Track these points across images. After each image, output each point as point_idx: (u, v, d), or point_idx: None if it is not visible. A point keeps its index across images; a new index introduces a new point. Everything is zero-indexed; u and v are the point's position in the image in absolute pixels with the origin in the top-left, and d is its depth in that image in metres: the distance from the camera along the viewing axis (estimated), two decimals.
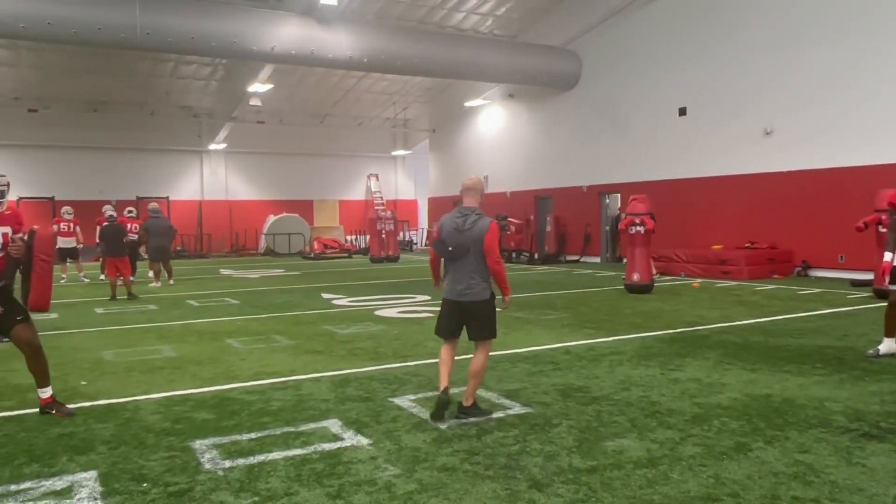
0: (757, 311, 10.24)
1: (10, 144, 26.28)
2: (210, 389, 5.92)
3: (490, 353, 7.19)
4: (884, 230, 10.60)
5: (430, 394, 5.60)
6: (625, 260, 13.79)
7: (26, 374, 6.59)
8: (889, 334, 6.71)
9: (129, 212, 17.00)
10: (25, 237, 5.03)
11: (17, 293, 5.20)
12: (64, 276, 16.92)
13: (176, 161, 29.69)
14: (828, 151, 15.12)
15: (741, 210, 17.10)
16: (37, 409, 5.24)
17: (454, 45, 20.52)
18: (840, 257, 14.96)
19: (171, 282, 15.61)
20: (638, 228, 12.88)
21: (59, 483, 3.82)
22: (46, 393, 5.19)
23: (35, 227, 5.01)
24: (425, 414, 5.02)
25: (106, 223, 13.64)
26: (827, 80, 15.13)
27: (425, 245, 33.07)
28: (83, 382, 6.22)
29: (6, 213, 5.08)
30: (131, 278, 13.37)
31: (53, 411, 5.11)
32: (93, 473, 3.95)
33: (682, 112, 18.64)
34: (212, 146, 29.40)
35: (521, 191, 25.14)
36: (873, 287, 11.64)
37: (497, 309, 5.01)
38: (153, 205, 16.22)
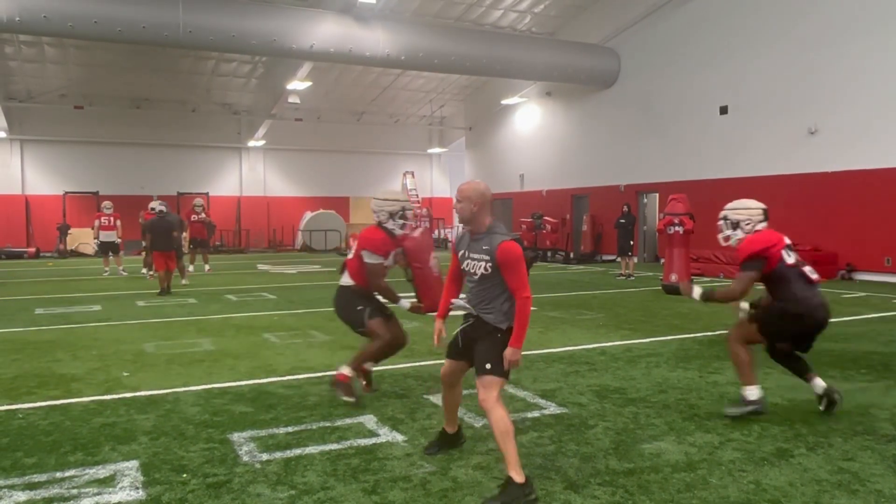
0: None
1: (57, 140, 27.01)
2: (248, 383, 6.00)
3: (525, 353, 7.19)
4: None
5: (465, 391, 5.57)
6: (662, 260, 13.61)
7: (70, 364, 6.79)
8: None
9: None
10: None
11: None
12: (106, 269, 17.30)
13: (216, 157, 30.15)
14: (874, 151, 14.72)
15: (783, 211, 16.68)
16: (81, 399, 5.40)
17: (492, 43, 20.45)
18: (887, 260, 14.56)
19: (184, 281, 14.60)
20: (676, 228, 12.70)
21: (102, 472, 3.91)
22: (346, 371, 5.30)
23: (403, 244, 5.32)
24: (461, 412, 5.00)
25: (155, 217, 13.63)
26: (873, 77, 14.73)
27: None
28: (125, 373, 6.35)
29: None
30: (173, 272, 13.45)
31: (364, 383, 5.47)
32: (134, 463, 4.03)
33: (724, 110, 18.32)
34: (251, 143, 29.80)
35: (557, 189, 24.98)
36: None
37: None
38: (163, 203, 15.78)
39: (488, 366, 3.66)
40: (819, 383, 4.92)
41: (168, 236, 13.08)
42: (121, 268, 17.35)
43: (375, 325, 5.27)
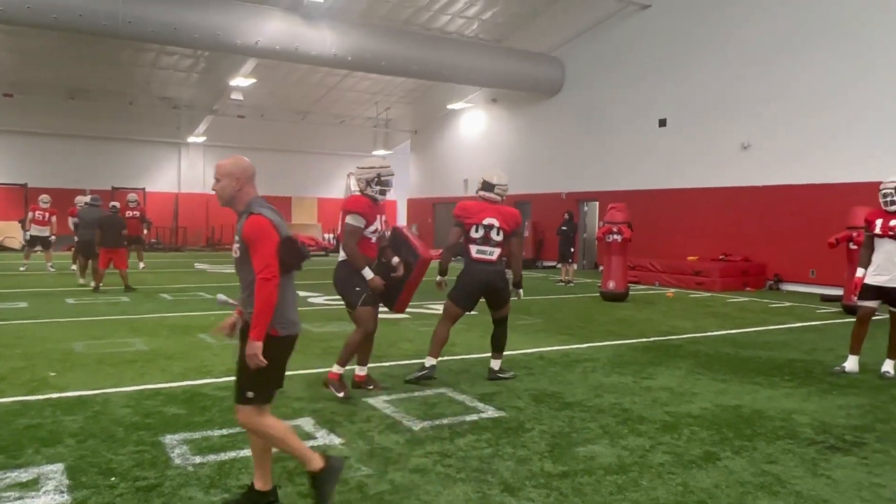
0: (729, 322, 10.38)
1: None
2: (181, 384, 5.86)
3: (463, 357, 7.25)
4: (855, 247, 10.82)
5: (403, 395, 5.60)
6: (601, 268, 13.90)
7: None
8: (854, 352, 6.83)
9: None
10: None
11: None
12: (26, 262, 16.62)
13: (154, 152, 29.34)
14: (802, 168, 15.37)
15: (717, 222, 17.31)
16: (3, 399, 5.19)
17: (439, 48, 20.52)
18: (811, 272, 15.21)
19: (92, 285, 12.92)
20: (615, 237, 12.98)
21: (24, 475, 3.76)
22: (364, 371, 5.78)
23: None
24: (399, 415, 5.02)
25: (107, 213, 13.26)
26: (804, 99, 15.38)
27: None
28: (52, 373, 6.12)
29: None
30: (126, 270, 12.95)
31: (371, 387, 5.74)
32: (59, 466, 3.90)
33: (663, 123, 18.83)
34: (191, 139, 29.09)
35: None
36: (843, 303, 11.85)
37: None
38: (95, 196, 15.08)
39: (248, 392, 3.27)
40: (492, 365, 6.31)
41: (118, 233, 12.74)
42: (49, 264, 16.71)
43: (365, 313, 5.46)
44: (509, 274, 6.29)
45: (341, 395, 5.35)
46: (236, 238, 3.30)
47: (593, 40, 21.06)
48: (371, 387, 5.76)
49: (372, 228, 5.46)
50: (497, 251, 6.13)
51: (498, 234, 6.13)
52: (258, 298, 3.11)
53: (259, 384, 3.25)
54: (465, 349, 7.65)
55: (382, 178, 5.50)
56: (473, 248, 6.13)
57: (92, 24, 15.62)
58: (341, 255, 5.51)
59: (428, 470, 3.96)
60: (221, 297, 3.60)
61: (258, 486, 3.42)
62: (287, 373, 6.32)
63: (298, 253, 3.32)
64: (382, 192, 5.53)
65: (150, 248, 23.41)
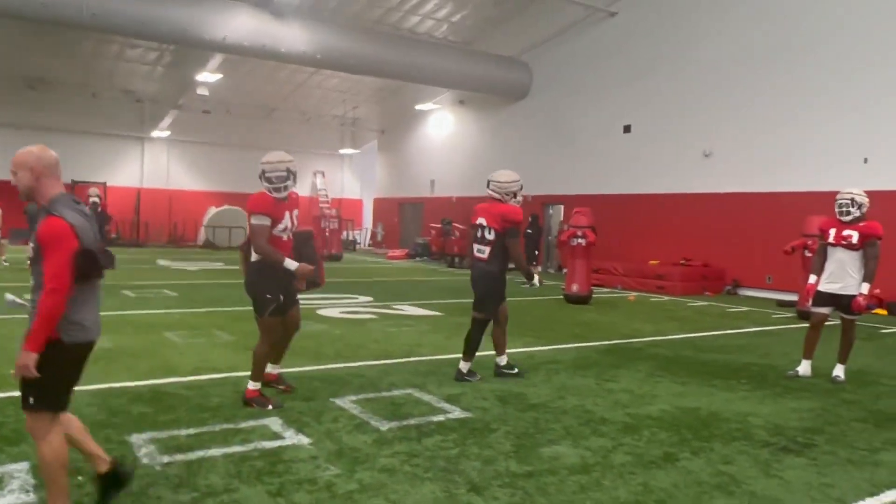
0: (688, 326, 10.63)
1: None
2: (147, 383, 5.82)
3: (430, 358, 7.33)
4: (810, 254, 11.17)
5: (371, 395, 5.65)
6: (565, 271, 14.11)
7: None
8: (807, 356, 7.08)
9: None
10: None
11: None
12: None
13: (116, 146, 28.80)
14: (761, 176, 15.78)
15: (678, 228, 17.67)
16: None
17: (408, 48, 20.59)
18: (768, 278, 15.62)
19: None
20: (579, 241, 13.18)
21: None
22: (276, 370, 5.70)
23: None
24: (367, 415, 5.08)
25: (89, 208, 13.06)
26: (764, 111, 15.79)
27: (368, 245, 32.98)
28: (12, 371, 6.01)
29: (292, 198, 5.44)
30: None
31: (282, 387, 5.66)
32: (24, 465, 3.87)
33: (627, 129, 19.14)
34: (154, 133, 28.66)
35: (466, 197, 25.32)
36: (797, 308, 12.22)
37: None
38: None
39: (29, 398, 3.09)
40: (461, 367, 6.37)
41: (101, 228, 12.62)
42: (2, 258, 16.32)
43: (271, 323, 5.30)
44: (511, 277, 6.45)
45: (269, 407, 5.12)
46: (32, 237, 3.01)
47: (560, 46, 21.31)
48: (282, 387, 5.63)
49: (281, 227, 5.21)
50: (488, 250, 6.32)
51: (489, 233, 6.32)
52: (41, 309, 2.90)
53: (40, 390, 3.05)
54: (432, 350, 7.74)
55: (266, 175, 5.19)
56: (474, 247, 6.46)
57: (55, 15, 15.31)
58: (254, 256, 5.23)
59: (395, 470, 4.02)
60: (9, 297, 3.31)
61: (101, 470, 3.35)
62: None
63: (97, 264, 3.08)
64: (273, 190, 5.17)
65: (110, 244, 22.99)
